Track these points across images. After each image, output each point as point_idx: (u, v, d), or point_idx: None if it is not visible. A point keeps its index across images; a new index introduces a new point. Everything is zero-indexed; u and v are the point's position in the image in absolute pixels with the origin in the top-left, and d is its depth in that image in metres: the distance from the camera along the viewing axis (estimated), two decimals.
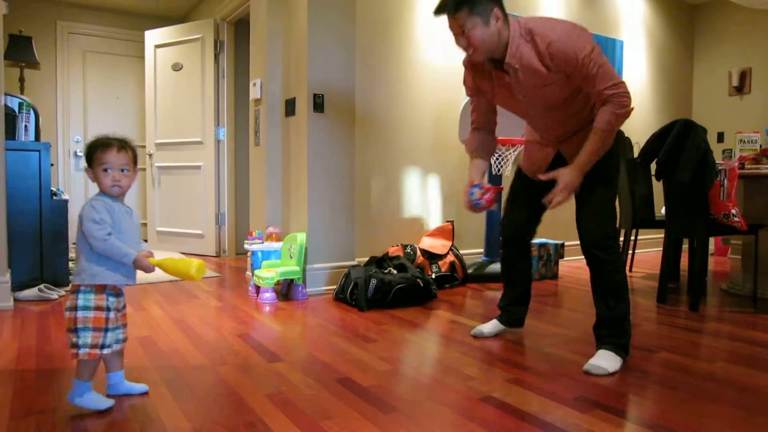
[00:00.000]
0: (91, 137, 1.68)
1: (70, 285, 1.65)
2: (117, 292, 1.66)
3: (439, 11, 1.89)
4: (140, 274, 1.68)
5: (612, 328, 2.04)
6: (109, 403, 1.62)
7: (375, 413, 1.62)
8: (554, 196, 1.91)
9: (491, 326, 2.43)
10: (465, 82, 2.19)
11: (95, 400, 1.61)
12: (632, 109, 1.88)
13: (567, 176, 1.90)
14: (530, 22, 1.87)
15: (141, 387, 1.76)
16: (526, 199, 2.26)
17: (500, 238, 2.37)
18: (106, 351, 1.61)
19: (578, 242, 2.07)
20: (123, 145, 1.63)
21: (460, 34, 1.86)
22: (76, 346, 1.56)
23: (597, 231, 1.99)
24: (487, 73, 2.04)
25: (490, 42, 1.86)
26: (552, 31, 1.82)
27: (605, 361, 1.97)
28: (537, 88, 1.93)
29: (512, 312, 2.43)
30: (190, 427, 1.51)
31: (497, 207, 3.36)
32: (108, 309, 1.61)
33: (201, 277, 1.61)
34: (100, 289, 1.60)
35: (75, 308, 1.58)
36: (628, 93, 1.84)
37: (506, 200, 2.36)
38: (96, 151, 1.60)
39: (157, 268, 1.60)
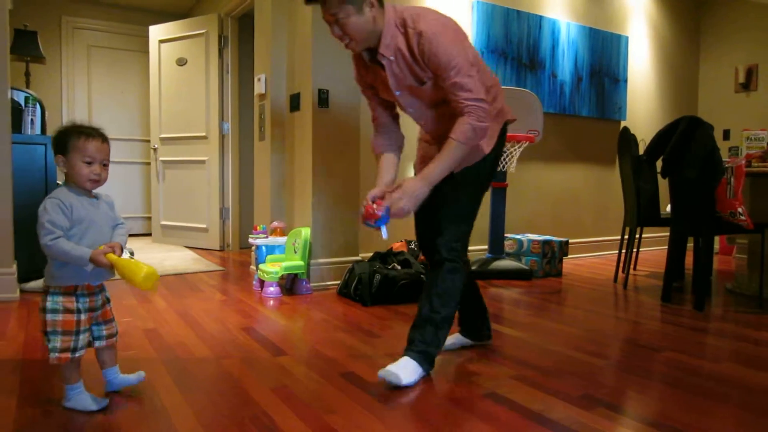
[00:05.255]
0: (62, 125, 1.54)
1: (43, 282, 1.54)
2: (91, 291, 1.56)
3: (310, 0, 1.76)
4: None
5: (426, 334, 1.88)
6: (101, 403, 1.56)
7: (379, 407, 1.62)
8: (391, 200, 1.74)
9: (453, 339, 2.19)
10: (356, 78, 2.03)
11: (85, 401, 1.55)
12: (488, 126, 1.76)
13: (410, 186, 1.74)
14: (405, 12, 1.77)
15: (136, 376, 1.72)
16: (427, 202, 1.86)
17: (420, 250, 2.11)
18: (78, 354, 1.52)
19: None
20: (105, 137, 1.53)
21: (334, 23, 1.73)
22: (48, 349, 1.50)
23: (449, 231, 1.88)
24: (370, 66, 1.90)
25: (366, 30, 1.74)
26: (425, 22, 1.71)
27: (404, 370, 1.79)
28: (411, 87, 1.83)
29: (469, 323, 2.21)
30: (196, 419, 1.52)
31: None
32: (78, 311, 1.52)
33: (149, 286, 1.41)
34: (70, 290, 1.51)
35: (44, 310, 1.50)
36: (487, 109, 1.74)
37: None
38: (76, 139, 1.48)
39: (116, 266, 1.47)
